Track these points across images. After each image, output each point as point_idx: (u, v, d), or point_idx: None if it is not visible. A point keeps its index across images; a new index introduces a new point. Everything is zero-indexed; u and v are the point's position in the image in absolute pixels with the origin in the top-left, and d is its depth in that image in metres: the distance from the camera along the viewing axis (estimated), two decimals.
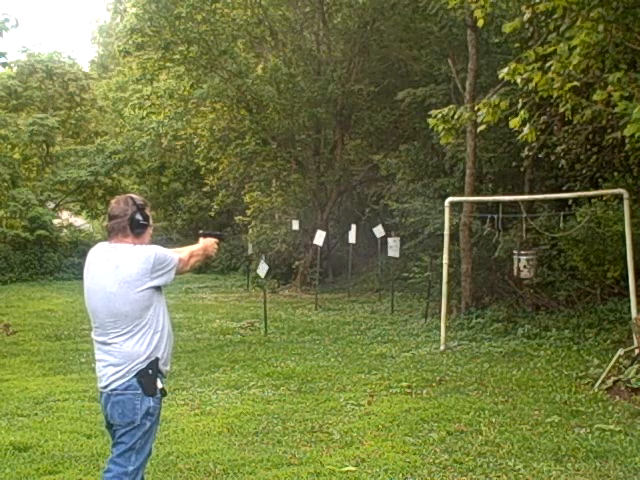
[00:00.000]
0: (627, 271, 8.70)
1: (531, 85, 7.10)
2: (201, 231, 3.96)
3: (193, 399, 7.13)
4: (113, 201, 3.72)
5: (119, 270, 3.52)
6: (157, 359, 3.58)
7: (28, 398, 7.18)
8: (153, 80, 19.64)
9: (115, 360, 3.55)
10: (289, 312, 14.43)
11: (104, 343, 3.60)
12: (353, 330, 11.79)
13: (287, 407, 6.71)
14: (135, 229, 3.61)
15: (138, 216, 3.61)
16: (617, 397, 6.73)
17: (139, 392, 3.53)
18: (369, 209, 19.12)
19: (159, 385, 3.59)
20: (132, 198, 3.69)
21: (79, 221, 30.36)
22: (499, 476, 4.80)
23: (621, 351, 7.45)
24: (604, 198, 10.06)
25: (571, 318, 10.60)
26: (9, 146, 24.48)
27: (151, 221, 3.72)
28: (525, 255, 10.23)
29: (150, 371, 3.54)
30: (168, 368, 3.73)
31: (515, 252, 10.35)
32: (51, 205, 25.75)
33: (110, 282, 3.52)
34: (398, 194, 15.54)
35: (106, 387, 3.58)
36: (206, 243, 3.90)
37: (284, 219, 20.36)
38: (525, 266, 10.12)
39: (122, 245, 3.60)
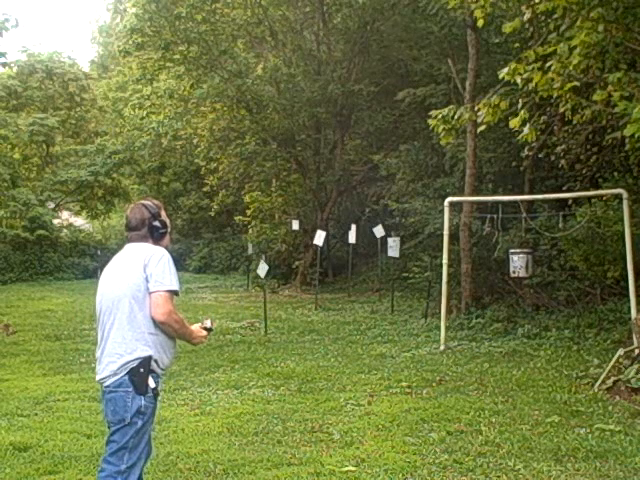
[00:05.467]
0: (627, 271, 8.70)
1: (531, 85, 7.10)
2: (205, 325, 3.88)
3: (193, 399, 7.13)
4: (128, 211, 3.82)
5: (129, 261, 3.64)
6: (149, 357, 3.57)
7: (28, 398, 7.18)
8: (153, 80, 19.64)
9: (111, 356, 3.58)
10: (289, 312, 14.43)
11: (103, 338, 3.65)
12: (353, 330, 11.79)
13: (287, 407, 6.70)
14: (155, 234, 3.74)
15: (156, 223, 3.73)
16: (617, 397, 6.72)
17: (130, 390, 3.54)
18: (369, 209, 19.12)
19: (151, 385, 3.58)
20: (145, 206, 3.75)
21: (79, 221, 30.37)
22: (499, 476, 4.80)
23: (621, 351, 7.44)
24: (604, 198, 10.05)
25: (571, 318, 10.60)
26: (9, 146, 24.50)
27: (169, 225, 3.82)
28: (518, 254, 10.23)
29: (142, 369, 3.54)
30: (163, 369, 3.70)
31: (511, 251, 10.37)
32: (51, 205, 25.76)
33: (121, 272, 3.64)
34: (398, 194, 15.55)
35: (102, 382, 3.62)
36: (197, 332, 3.81)
37: (284, 219, 20.37)
38: (520, 266, 10.12)
39: (142, 244, 3.72)
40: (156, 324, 3.58)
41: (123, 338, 3.55)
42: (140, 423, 3.57)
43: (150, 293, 3.54)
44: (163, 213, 3.79)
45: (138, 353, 3.54)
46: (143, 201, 3.84)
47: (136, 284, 3.55)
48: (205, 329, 3.84)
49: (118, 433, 3.56)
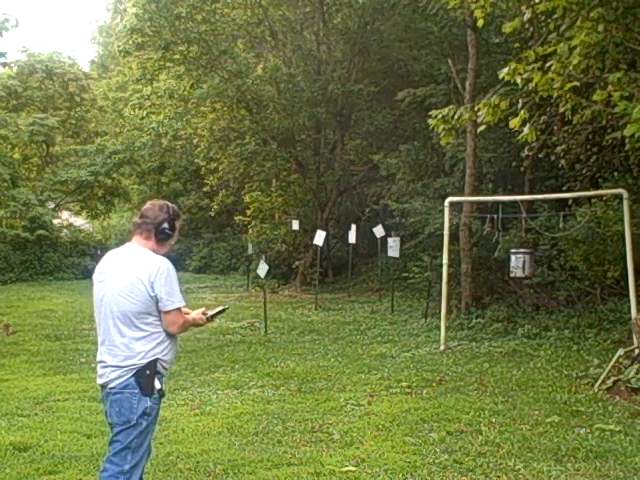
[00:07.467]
0: (627, 271, 8.70)
1: (531, 85, 7.10)
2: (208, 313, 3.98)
3: (193, 399, 7.13)
4: (149, 202, 3.84)
5: (132, 270, 3.60)
6: (156, 360, 3.60)
7: (28, 398, 7.18)
8: (153, 80, 19.63)
9: (115, 359, 3.59)
10: (289, 312, 14.43)
11: (105, 342, 3.65)
12: (353, 330, 11.79)
13: (287, 407, 6.70)
14: (159, 235, 3.71)
15: (165, 225, 3.72)
16: (617, 397, 6.72)
17: (136, 392, 3.55)
18: (369, 209, 19.12)
19: (157, 386, 3.61)
20: (168, 206, 3.78)
21: (79, 221, 30.36)
22: (499, 476, 4.80)
23: (621, 351, 7.45)
24: (604, 198, 10.05)
25: (571, 318, 10.60)
26: (9, 146, 24.48)
27: (176, 232, 3.82)
28: (516, 254, 10.23)
29: (148, 371, 3.57)
30: (167, 369, 3.74)
31: (511, 251, 10.38)
32: (51, 205, 25.75)
33: (121, 280, 3.60)
34: (398, 194, 15.55)
35: (105, 385, 3.62)
36: (199, 321, 3.89)
37: (284, 219, 20.37)
38: (517, 266, 10.12)
39: (141, 248, 3.69)
40: (162, 331, 3.64)
41: (127, 347, 3.57)
42: (145, 424, 3.59)
43: (163, 312, 3.61)
44: (178, 223, 3.81)
45: (144, 359, 3.57)
46: (168, 202, 3.87)
47: (142, 301, 3.57)
48: (204, 314, 3.93)
49: (122, 434, 3.57)
